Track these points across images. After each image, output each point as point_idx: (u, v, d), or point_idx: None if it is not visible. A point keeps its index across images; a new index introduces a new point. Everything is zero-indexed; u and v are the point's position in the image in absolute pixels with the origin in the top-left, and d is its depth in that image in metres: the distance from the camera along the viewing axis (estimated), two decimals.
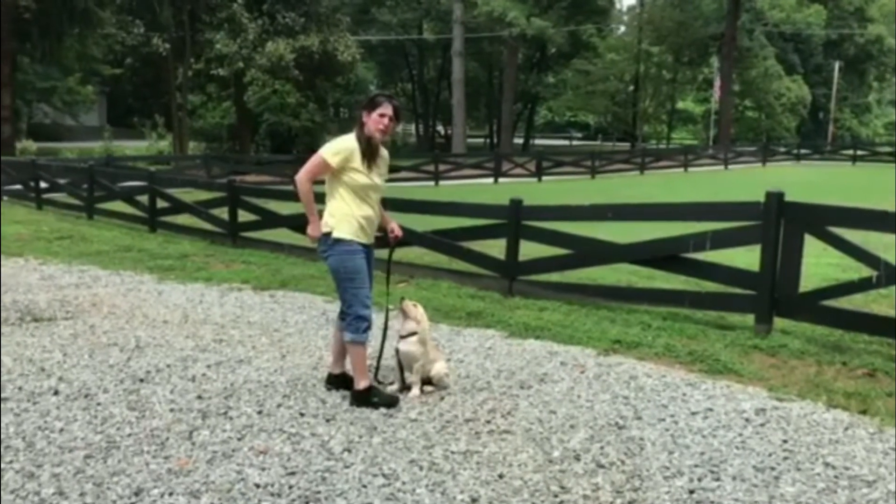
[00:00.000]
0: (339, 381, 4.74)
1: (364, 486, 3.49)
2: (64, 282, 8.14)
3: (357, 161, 4.41)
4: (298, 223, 9.02)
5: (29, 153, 26.32)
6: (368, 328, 4.50)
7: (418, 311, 4.78)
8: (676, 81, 48.19)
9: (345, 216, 4.43)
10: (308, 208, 4.48)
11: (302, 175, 4.44)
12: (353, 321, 4.46)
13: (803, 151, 38.92)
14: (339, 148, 4.42)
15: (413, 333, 4.70)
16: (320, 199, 4.52)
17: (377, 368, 4.82)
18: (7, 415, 4.30)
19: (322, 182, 4.57)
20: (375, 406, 4.43)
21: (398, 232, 4.81)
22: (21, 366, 5.19)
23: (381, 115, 4.44)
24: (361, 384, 4.51)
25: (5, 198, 17.04)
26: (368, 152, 4.43)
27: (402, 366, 4.74)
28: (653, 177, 28.26)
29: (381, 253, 4.94)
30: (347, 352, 4.59)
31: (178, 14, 29.66)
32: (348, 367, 4.69)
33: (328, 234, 4.43)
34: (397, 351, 4.74)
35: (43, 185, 15.70)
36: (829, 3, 48.04)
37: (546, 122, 66.83)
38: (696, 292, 6.80)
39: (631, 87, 46.58)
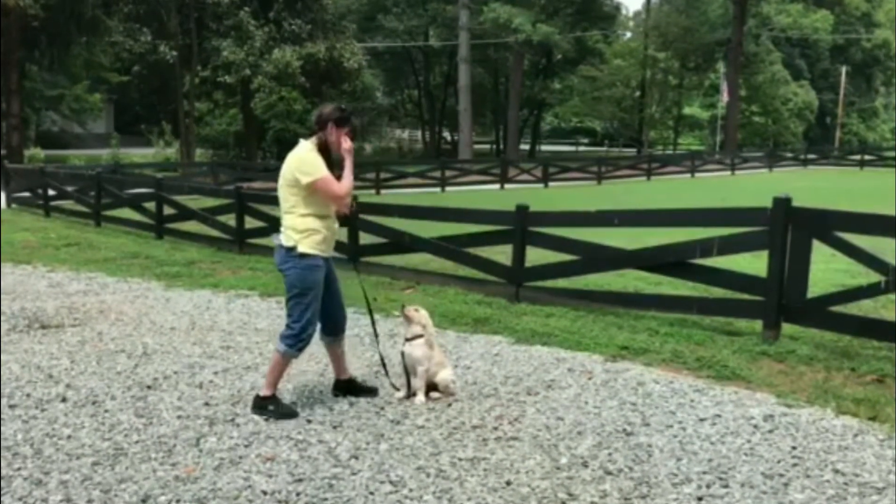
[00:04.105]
0: (346, 388, 4.74)
1: (371, 493, 3.49)
2: (72, 289, 8.17)
3: None
4: None
5: (37, 161, 26.46)
6: (304, 347, 4.44)
7: (421, 315, 4.77)
8: (683, 87, 48.16)
9: (309, 230, 4.35)
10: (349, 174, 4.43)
11: (344, 190, 4.38)
12: (293, 335, 4.38)
13: (810, 157, 38.73)
14: (318, 164, 4.34)
15: (417, 337, 4.70)
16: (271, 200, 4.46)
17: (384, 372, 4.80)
18: (15, 422, 4.31)
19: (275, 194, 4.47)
20: (275, 417, 4.35)
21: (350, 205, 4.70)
22: (29, 373, 5.21)
23: (349, 134, 4.43)
24: (264, 391, 4.46)
25: (14, 205, 17.14)
26: (332, 163, 4.39)
27: (408, 371, 4.73)
28: (659, 183, 28.22)
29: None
30: (274, 359, 4.49)
31: (185, 22, 29.80)
32: (354, 372, 4.68)
33: (292, 248, 4.34)
34: (403, 354, 4.75)
35: (51, 192, 15.76)
36: (835, 8, 47.99)
37: (552, 128, 66.77)
38: (704, 298, 6.79)
39: (637, 93, 46.57)
